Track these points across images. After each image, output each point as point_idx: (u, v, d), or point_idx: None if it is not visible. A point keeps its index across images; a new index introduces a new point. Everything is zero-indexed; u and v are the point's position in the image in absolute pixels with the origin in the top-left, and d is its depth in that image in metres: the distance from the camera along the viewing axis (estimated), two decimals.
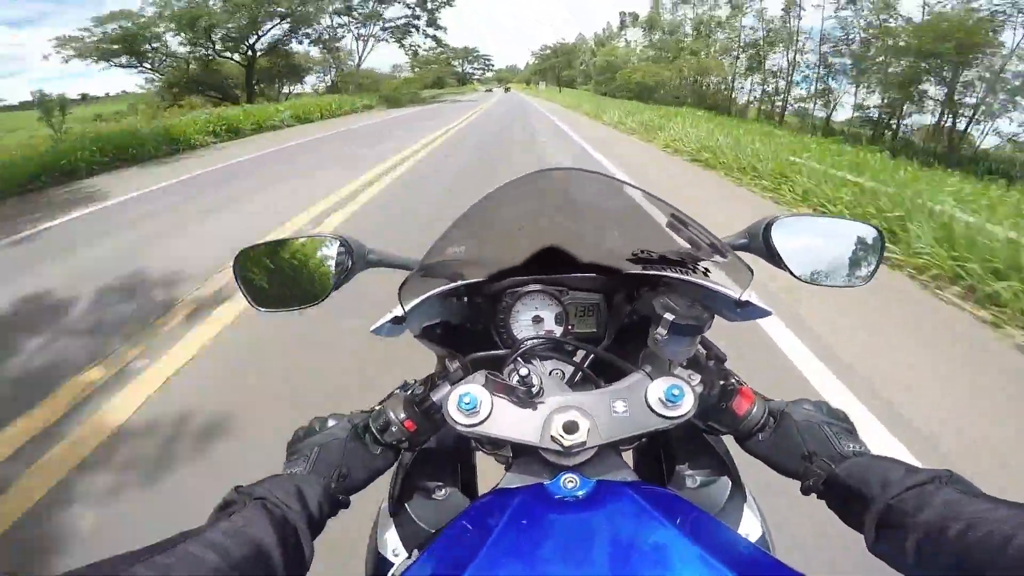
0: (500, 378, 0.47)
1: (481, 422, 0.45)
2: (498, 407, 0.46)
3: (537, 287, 0.60)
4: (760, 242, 0.58)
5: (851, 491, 0.43)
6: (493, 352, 0.55)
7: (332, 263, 0.56)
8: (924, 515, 0.36)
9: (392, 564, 0.54)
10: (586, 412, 0.46)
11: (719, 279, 0.51)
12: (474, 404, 0.45)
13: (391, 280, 0.52)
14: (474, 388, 0.46)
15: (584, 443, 0.44)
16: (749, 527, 0.55)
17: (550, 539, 0.38)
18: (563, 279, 0.61)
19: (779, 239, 0.58)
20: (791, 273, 0.58)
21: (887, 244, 0.61)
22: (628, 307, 0.60)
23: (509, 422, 0.46)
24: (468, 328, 0.63)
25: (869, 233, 0.62)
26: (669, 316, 0.46)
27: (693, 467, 0.59)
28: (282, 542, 0.40)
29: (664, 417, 0.46)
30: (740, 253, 0.56)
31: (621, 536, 0.38)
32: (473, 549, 0.37)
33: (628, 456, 0.68)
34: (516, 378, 0.46)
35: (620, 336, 0.62)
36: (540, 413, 0.46)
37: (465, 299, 0.61)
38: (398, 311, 0.48)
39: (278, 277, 0.58)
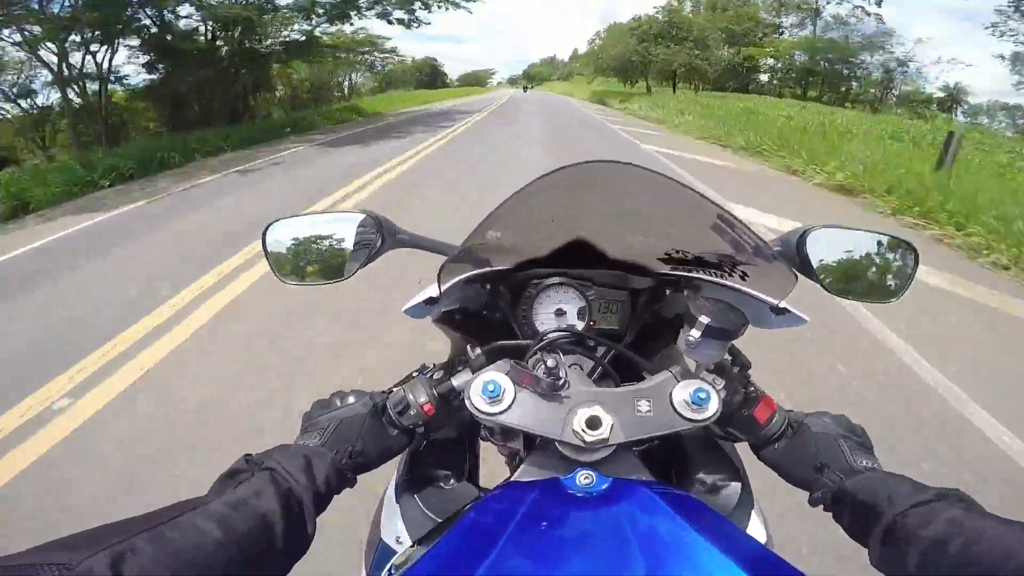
0: (525, 368, 0.47)
1: (503, 411, 0.45)
2: (520, 397, 0.46)
3: (562, 279, 0.59)
4: (793, 251, 0.57)
5: (858, 505, 0.43)
6: (515, 342, 0.55)
7: (361, 240, 0.55)
8: (928, 531, 0.36)
9: (395, 552, 0.53)
10: (610, 409, 0.45)
11: (757, 284, 0.50)
12: (497, 392, 0.45)
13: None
14: (498, 376, 0.46)
15: (606, 440, 0.44)
16: (756, 533, 0.55)
17: (567, 535, 0.38)
18: (589, 274, 0.60)
19: (813, 249, 0.57)
20: (822, 286, 0.57)
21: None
22: (653, 306, 0.59)
23: (531, 413, 0.45)
24: (485, 316, 0.62)
25: (904, 248, 0.61)
26: (705, 319, 0.45)
27: (704, 471, 0.58)
28: (286, 516, 0.39)
29: (688, 419, 0.45)
30: None
31: (639, 534, 0.37)
32: (488, 544, 0.36)
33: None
34: (543, 368, 0.46)
35: (641, 335, 0.61)
36: (563, 407, 0.45)
37: (487, 286, 0.61)
38: (433, 291, 0.47)
39: (306, 251, 0.57)
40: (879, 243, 0.62)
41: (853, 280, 0.58)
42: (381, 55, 25.43)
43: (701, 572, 0.33)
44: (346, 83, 30.24)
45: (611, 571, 0.34)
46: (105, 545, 0.29)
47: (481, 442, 0.69)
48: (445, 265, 0.49)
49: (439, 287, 0.48)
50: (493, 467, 0.58)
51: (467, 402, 0.46)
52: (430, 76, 70.31)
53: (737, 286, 0.51)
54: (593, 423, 0.44)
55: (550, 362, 0.45)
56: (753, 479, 0.58)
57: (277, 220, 0.58)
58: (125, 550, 0.29)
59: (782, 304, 0.47)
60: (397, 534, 0.54)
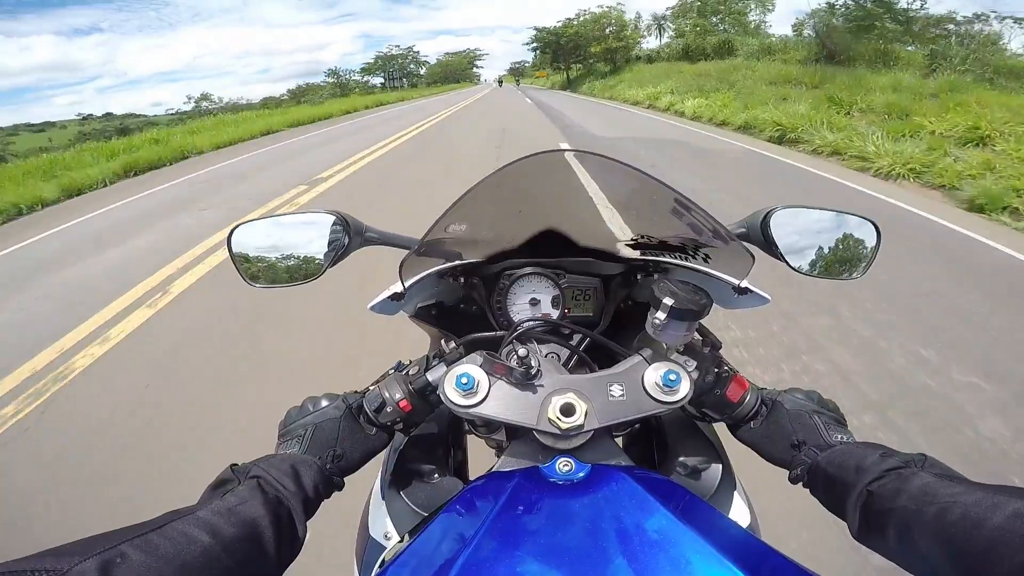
0: (498, 359, 0.47)
1: (478, 403, 0.45)
2: (495, 388, 0.46)
3: (534, 269, 0.60)
4: (758, 232, 0.58)
5: (831, 478, 0.44)
6: (490, 333, 0.55)
7: (328, 240, 0.55)
8: (901, 500, 0.38)
9: (384, 547, 0.53)
10: (584, 395, 0.45)
11: (719, 265, 0.51)
12: (471, 384, 0.45)
13: None
14: (472, 368, 0.46)
15: (581, 426, 0.44)
16: (739, 514, 0.55)
17: (547, 523, 0.38)
18: (561, 263, 0.60)
19: (777, 230, 0.58)
20: (788, 264, 0.58)
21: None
22: (625, 292, 0.60)
23: (506, 403, 0.45)
24: (462, 310, 0.62)
25: (866, 227, 0.62)
26: (669, 301, 0.46)
27: (685, 453, 0.59)
28: (275, 522, 0.39)
29: (660, 402, 0.45)
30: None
31: (618, 520, 0.38)
32: (468, 533, 0.37)
33: (619, 442, 0.68)
34: (515, 359, 0.46)
35: (616, 321, 0.62)
36: (538, 395, 0.46)
37: (461, 280, 0.61)
38: (397, 287, 0.47)
39: (273, 254, 0.56)
40: (841, 220, 0.63)
41: (817, 258, 0.59)
42: None
43: (681, 558, 0.33)
44: None
45: (590, 558, 0.34)
46: (94, 552, 0.29)
47: (470, 437, 0.69)
48: (406, 260, 0.49)
49: (402, 282, 0.47)
50: (484, 461, 0.59)
51: (442, 396, 0.45)
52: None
53: (700, 268, 0.52)
54: (568, 410, 0.44)
55: (521, 351, 0.45)
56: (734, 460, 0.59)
57: (241, 223, 0.57)
58: (114, 556, 0.30)
59: (743, 284, 0.48)
60: (385, 530, 0.54)
